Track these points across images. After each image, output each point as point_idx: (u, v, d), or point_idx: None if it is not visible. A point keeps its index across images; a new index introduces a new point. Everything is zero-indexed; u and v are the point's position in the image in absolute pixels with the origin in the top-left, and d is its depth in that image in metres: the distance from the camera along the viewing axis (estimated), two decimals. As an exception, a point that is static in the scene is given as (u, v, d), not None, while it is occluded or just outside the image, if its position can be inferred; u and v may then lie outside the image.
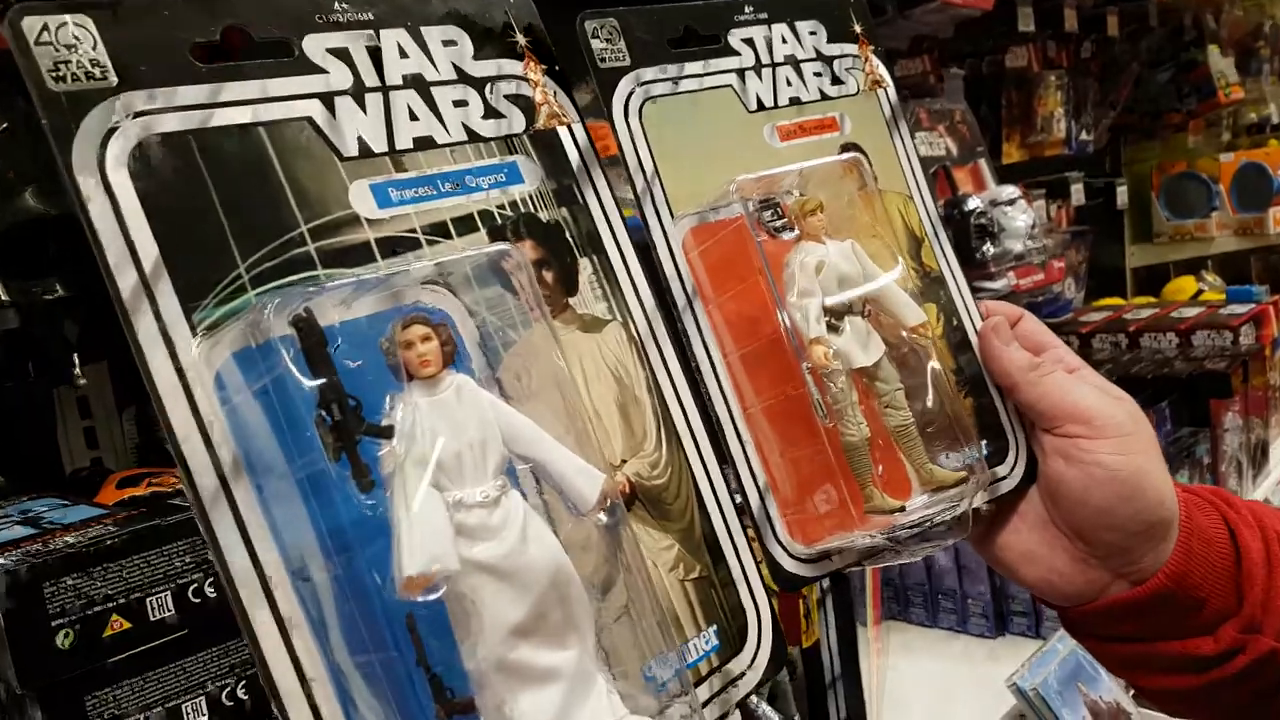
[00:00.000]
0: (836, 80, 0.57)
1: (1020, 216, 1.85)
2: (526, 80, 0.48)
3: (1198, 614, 0.55)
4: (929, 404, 0.52)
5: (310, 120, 0.41)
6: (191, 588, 0.69)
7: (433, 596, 0.35)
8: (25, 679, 0.62)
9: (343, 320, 0.37)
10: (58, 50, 0.36)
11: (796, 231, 0.51)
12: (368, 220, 0.41)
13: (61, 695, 0.64)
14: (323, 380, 0.35)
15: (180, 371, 0.35)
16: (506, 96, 0.47)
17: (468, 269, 0.41)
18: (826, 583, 1.18)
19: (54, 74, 0.36)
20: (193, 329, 0.36)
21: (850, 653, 1.22)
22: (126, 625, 0.66)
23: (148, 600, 0.67)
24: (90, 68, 0.37)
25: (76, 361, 0.82)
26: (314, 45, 0.42)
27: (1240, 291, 2.79)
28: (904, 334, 0.52)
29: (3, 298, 0.74)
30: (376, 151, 0.42)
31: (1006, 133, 2.31)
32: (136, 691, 0.67)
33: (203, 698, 0.70)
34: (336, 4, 0.43)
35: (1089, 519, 0.54)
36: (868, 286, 0.51)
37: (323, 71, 0.42)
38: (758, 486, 0.49)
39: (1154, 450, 0.54)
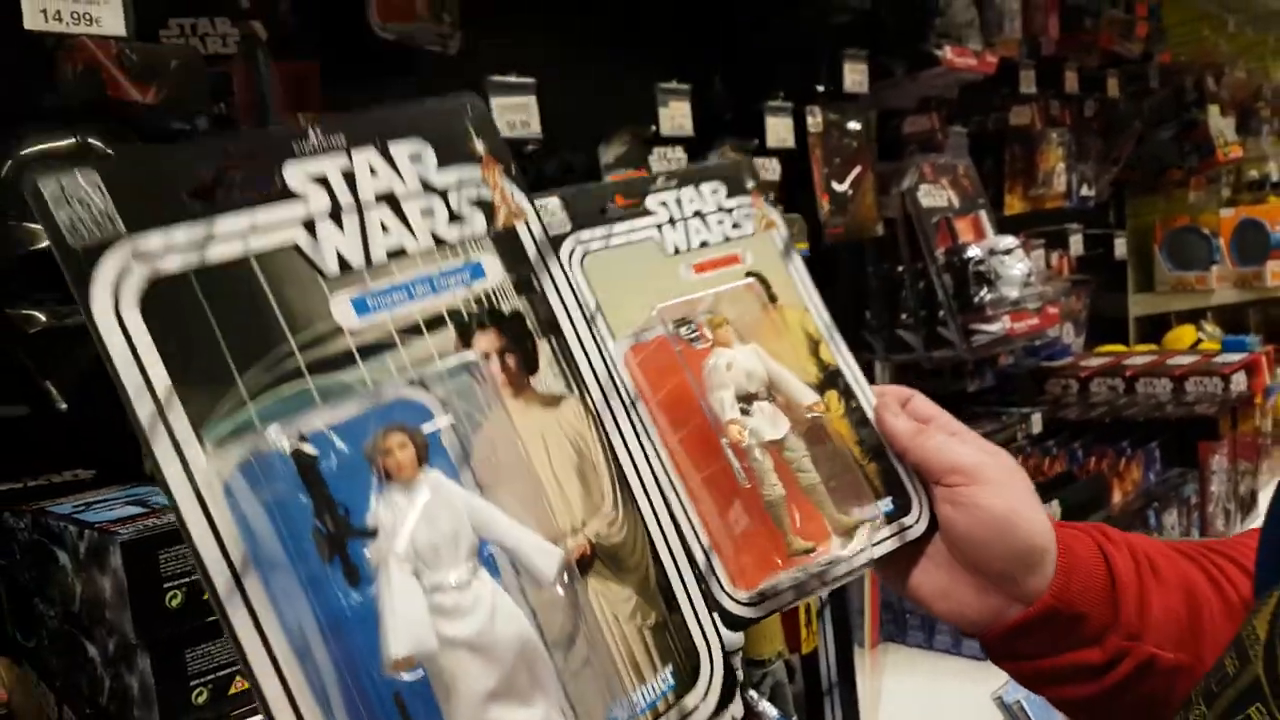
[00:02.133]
0: (736, 225, 0.71)
1: (1017, 265, 1.96)
2: (485, 184, 0.54)
3: (1083, 627, 0.64)
4: (833, 466, 0.65)
5: (296, 246, 0.47)
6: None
7: (415, 676, 0.42)
8: (141, 632, 0.74)
9: (330, 425, 0.44)
10: (72, 207, 0.41)
11: (710, 341, 0.64)
12: (349, 330, 0.46)
13: (168, 648, 0.76)
14: (315, 496, 0.42)
15: (194, 484, 0.41)
16: (469, 201, 0.53)
17: (440, 369, 0.48)
18: (825, 594, 1.28)
19: (72, 231, 0.41)
20: (202, 445, 0.41)
21: (847, 661, 1.32)
22: (224, 591, 0.78)
23: (241, 571, 0.79)
24: (101, 220, 0.42)
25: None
26: (294, 173, 0.47)
27: (1235, 341, 2.90)
28: (805, 414, 0.65)
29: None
30: (354, 267, 0.48)
31: (1009, 185, 2.44)
32: (227, 648, 0.79)
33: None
34: (311, 132, 0.48)
35: (976, 552, 0.64)
36: (770, 376, 0.65)
37: (303, 198, 0.47)
38: (702, 546, 0.58)
39: (1024, 492, 0.64)
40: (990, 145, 2.40)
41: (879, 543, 0.64)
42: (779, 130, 1.52)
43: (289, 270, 0.46)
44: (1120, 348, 3.09)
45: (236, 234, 0.45)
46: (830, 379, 0.70)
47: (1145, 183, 3.29)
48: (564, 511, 0.51)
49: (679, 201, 0.69)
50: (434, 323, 0.49)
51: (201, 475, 0.41)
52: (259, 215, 0.46)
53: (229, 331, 0.43)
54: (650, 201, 0.68)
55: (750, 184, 0.72)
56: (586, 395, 0.55)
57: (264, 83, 1.15)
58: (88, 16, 0.84)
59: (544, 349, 0.53)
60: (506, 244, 0.54)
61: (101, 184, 0.42)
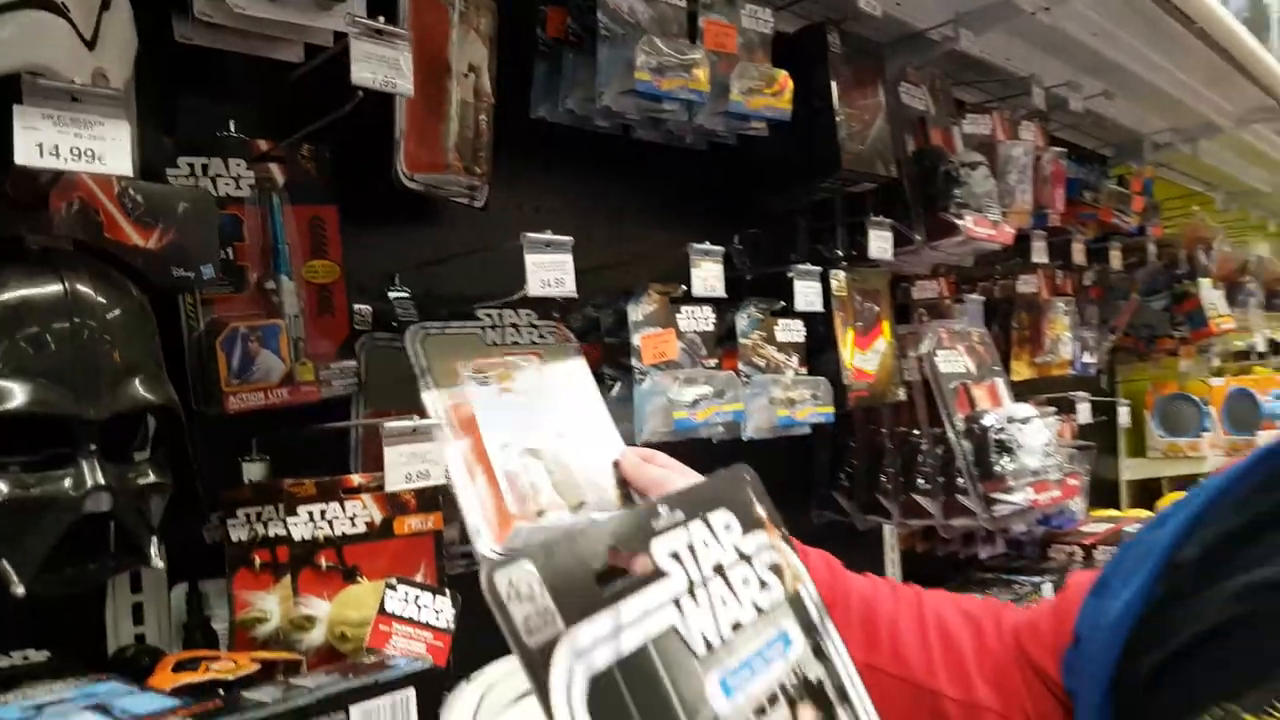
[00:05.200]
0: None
1: (1037, 434, 1.90)
2: (773, 548, 0.53)
3: None
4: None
5: (674, 628, 0.44)
6: (268, 794, 0.68)
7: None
8: None
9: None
10: (522, 603, 0.38)
11: None
12: (720, 716, 0.43)
13: None
14: None
15: None
16: (768, 566, 0.51)
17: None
18: None
19: (525, 628, 0.38)
20: None
21: None
22: (203, 833, 0.65)
23: (225, 806, 0.66)
24: (545, 615, 0.39)
25: (155, 544, 0.83)
26: (659, 551, 0.45)
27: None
28: None
29: (100, 481, 0.76)
30: (714, 645, 0.45)
31: (1015, 351, 2.41)
32: None
33: None
34: (661, 509, 0.47)
35: None
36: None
37: (670, 576, 0.45)
38: None
39: None
40: (996, 311, 2.39)
41: None
42: (807, 294, 1.46)
43: (674, 654, 0.44)
44: (1114, 512, 3.04)
45: (636, 619, 0.42)
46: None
47: (1138, 350, 3.30)
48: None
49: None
50: (772, 699, 0.47)
51: None
52: (647, 596, 0.44)
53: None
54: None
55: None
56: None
57: (278, 227, 1.07)
58: (89, 153, 0.73)
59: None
60: (799, 608, 0.52)
61: (537, 575, 0.40)
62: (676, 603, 0.45)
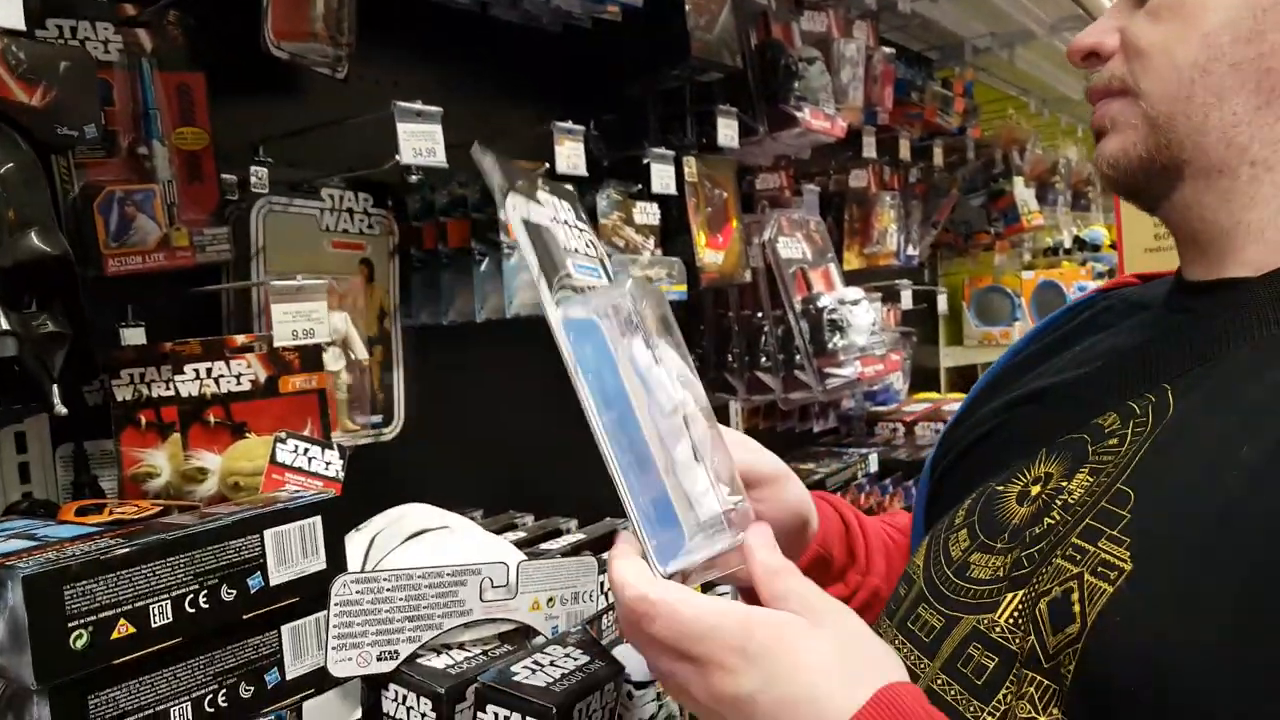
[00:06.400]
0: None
1: (864, 314, 2.09)
2: None
3: (832, 567, 0.86)
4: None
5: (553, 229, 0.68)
6: (187, 599, 0.75)
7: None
8: (42, 676, 0.67)
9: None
10: (490, 164, 0.61)
11: None
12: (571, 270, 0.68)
13: (70, 694, 0.69)
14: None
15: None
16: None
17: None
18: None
19: (496, 183, 0.59)
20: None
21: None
22: (132, 630, 0.71)
23: (150, 608, 0.73)
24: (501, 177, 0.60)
25: (56, 393, 0.86)
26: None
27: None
28: None
29: (4, 326, 0.79)
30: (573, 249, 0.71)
31: (848, 242, 2.59)
32: (133, 694, 0.72)
33: (189, 703, 0.76)
34: None
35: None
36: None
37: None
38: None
39: (799, 484, 0.83)
40: (831, 204, 2.56)
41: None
42: (663, 177, 1.56)
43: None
44: (935, 395, 3.33)
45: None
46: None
47: (957, 245, 3.56)
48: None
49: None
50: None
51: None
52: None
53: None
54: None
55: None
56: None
57: (149, 92, 1.08)
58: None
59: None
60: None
61: (493, 159, 0.71)
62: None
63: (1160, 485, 0.56)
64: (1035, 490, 0.65)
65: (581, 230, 0.73)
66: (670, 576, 0.60)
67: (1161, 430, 0.59)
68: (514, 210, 0.64)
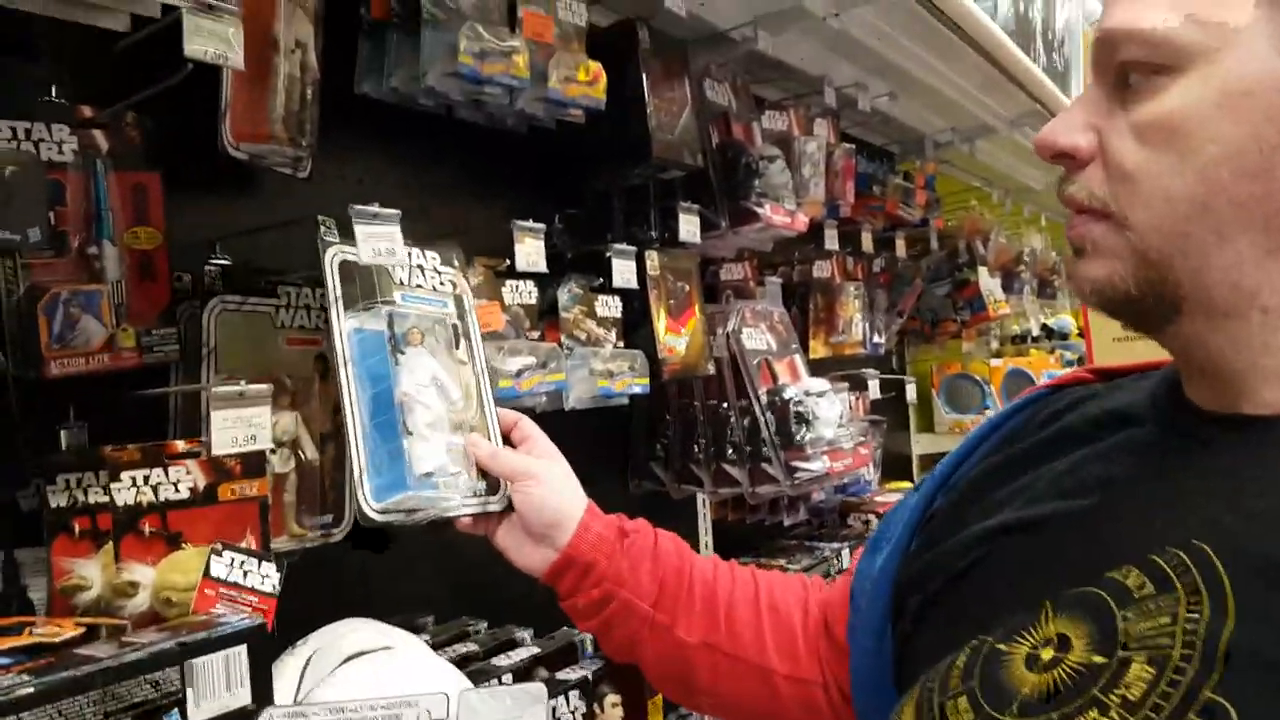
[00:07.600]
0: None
1: (831, 407, 2.08)
2: None
3: (590, 573, 0.96)
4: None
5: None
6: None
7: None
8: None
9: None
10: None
11: None
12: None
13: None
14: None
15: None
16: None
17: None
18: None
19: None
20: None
21: None
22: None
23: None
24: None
25: None
26: None
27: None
28: None
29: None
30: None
31: (813, 331, 2.61)
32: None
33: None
34: None
35: (524, 521, 1.00)
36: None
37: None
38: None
39: (561, 483, 1.01)
40: (794, 294, 2.59)
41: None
42: (624, 272, 1.56)
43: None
44: (907, 484, 3.32)
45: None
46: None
47: (924, 333, 3.60)
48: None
49: None
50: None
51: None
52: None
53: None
54: None
55: None
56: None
57: (102, 192, 1.08)
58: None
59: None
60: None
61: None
62: None
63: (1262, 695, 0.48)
64: (1047, 655, 0.56)
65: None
66: (382, 513, 0.98)
67: (1238, 626, 0.50)
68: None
